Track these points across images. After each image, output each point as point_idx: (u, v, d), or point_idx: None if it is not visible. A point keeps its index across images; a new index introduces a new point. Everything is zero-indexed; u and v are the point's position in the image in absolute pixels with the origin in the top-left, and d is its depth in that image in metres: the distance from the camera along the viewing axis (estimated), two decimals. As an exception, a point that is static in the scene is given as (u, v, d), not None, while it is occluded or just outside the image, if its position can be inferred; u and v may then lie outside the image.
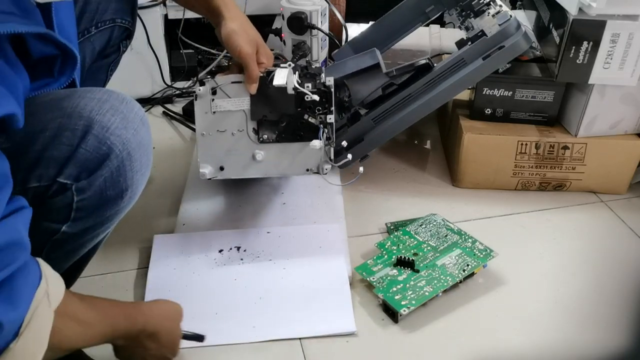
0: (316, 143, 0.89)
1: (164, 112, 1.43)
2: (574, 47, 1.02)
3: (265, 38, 1.60)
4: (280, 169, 0.93)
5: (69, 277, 0.77)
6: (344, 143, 0.89)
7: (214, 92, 0.88)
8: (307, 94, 0.86)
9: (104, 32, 0.94)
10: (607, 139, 1.11)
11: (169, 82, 1.50)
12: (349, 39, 1.32)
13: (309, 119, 0.89)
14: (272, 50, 1.51)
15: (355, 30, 1.42)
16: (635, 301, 0.92)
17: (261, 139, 0.91)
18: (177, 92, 1.49)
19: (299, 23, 1.33)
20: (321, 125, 0.89)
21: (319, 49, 1.39)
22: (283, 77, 0.86)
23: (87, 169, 0.61)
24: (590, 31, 1.00)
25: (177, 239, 1.00)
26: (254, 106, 0.89)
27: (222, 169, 0.92)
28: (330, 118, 0.90)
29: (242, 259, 0.95)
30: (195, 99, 0.88)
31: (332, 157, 0.92)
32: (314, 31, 1.34)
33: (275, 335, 0.85)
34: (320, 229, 1.01)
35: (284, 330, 0.85)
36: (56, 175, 0.60)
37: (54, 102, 0.62)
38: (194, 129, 1.35)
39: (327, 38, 1.41)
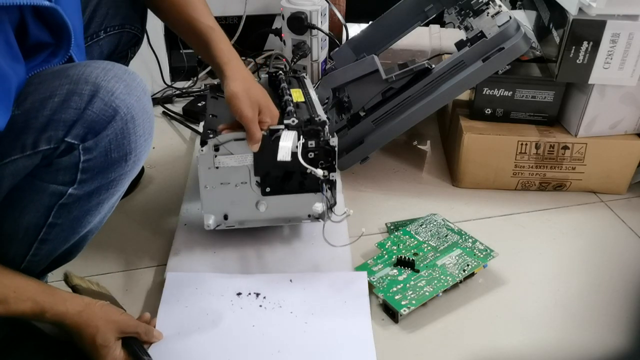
0: (318, 207, 0.90)
1: (164, 112, 1.43)
2: (574, 47, 1.02)
3: (265, 38, 1.62)
4: (283, 218, 0.94)
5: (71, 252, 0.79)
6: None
7: (216, 149, 0.87)
8: (313, 171, 0.86)
9: (113, 37, 0.94)
10: (607, 139, 1.11)
11: (169, 82, 1.50)
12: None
13: (312, 173, 0.88)
14: (271, 50, 1.52)
15: (355, 30, 1.42)
16: (635, 301, 0.92)
17: (264, 192, 0.91)
18: (177, 92, 1.49)
19: (299, 23, 1.33)
20: (324, 184, 0.89)
21: (319, 49, 1.40)
22: (288, 147, 0.84)
23: (94, 130, 0.64)
24: (590, 31, 1.00)
25: (192, 277, 0.92)
26: (257, 162, 0.89)
27: (226, 217, 0.93)
28: (333, 175, 0.89)
29: (261, 305, 0.88)
30: (198, 158, 0.88)
31: (332, 216, 0.91)
32: (314, 31, 1.35)
33: None
34: (344, 278, 0.92)
35: None
36: (64, 136, 0.64)
37: (61, 71, 0.66)
38: (194, 129, 1.36)
39: (327, 38, 1.42)
